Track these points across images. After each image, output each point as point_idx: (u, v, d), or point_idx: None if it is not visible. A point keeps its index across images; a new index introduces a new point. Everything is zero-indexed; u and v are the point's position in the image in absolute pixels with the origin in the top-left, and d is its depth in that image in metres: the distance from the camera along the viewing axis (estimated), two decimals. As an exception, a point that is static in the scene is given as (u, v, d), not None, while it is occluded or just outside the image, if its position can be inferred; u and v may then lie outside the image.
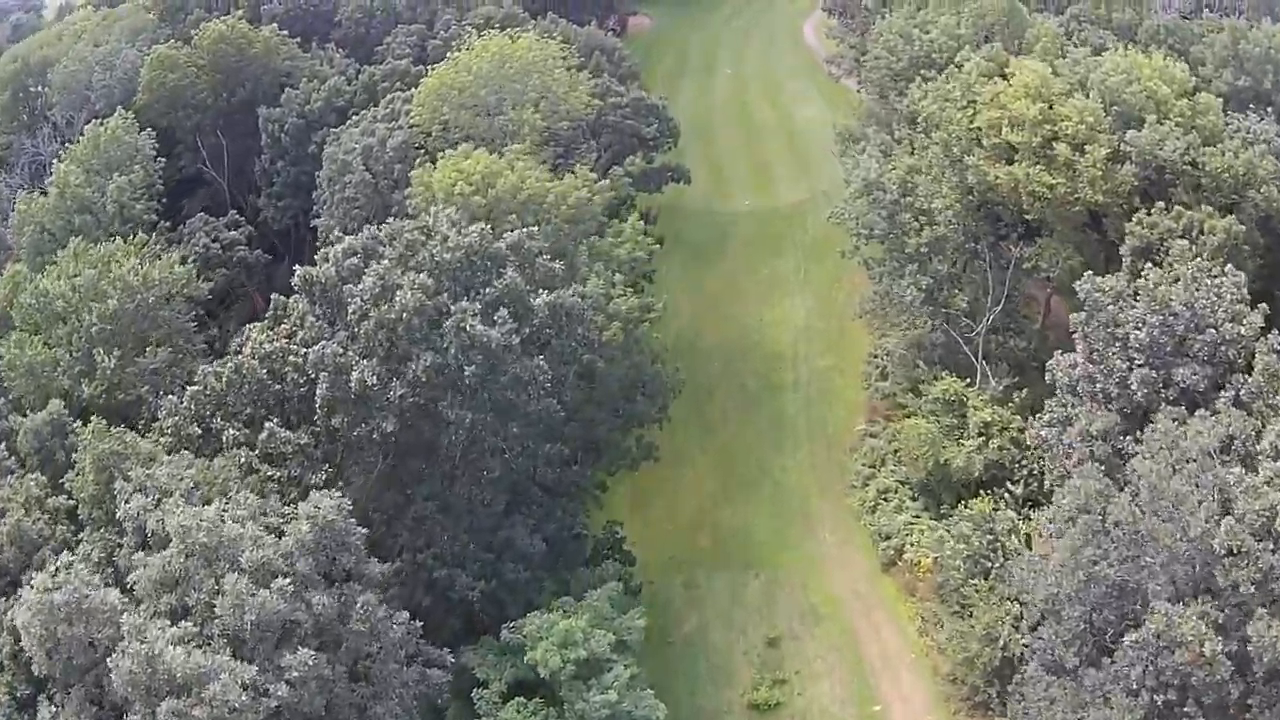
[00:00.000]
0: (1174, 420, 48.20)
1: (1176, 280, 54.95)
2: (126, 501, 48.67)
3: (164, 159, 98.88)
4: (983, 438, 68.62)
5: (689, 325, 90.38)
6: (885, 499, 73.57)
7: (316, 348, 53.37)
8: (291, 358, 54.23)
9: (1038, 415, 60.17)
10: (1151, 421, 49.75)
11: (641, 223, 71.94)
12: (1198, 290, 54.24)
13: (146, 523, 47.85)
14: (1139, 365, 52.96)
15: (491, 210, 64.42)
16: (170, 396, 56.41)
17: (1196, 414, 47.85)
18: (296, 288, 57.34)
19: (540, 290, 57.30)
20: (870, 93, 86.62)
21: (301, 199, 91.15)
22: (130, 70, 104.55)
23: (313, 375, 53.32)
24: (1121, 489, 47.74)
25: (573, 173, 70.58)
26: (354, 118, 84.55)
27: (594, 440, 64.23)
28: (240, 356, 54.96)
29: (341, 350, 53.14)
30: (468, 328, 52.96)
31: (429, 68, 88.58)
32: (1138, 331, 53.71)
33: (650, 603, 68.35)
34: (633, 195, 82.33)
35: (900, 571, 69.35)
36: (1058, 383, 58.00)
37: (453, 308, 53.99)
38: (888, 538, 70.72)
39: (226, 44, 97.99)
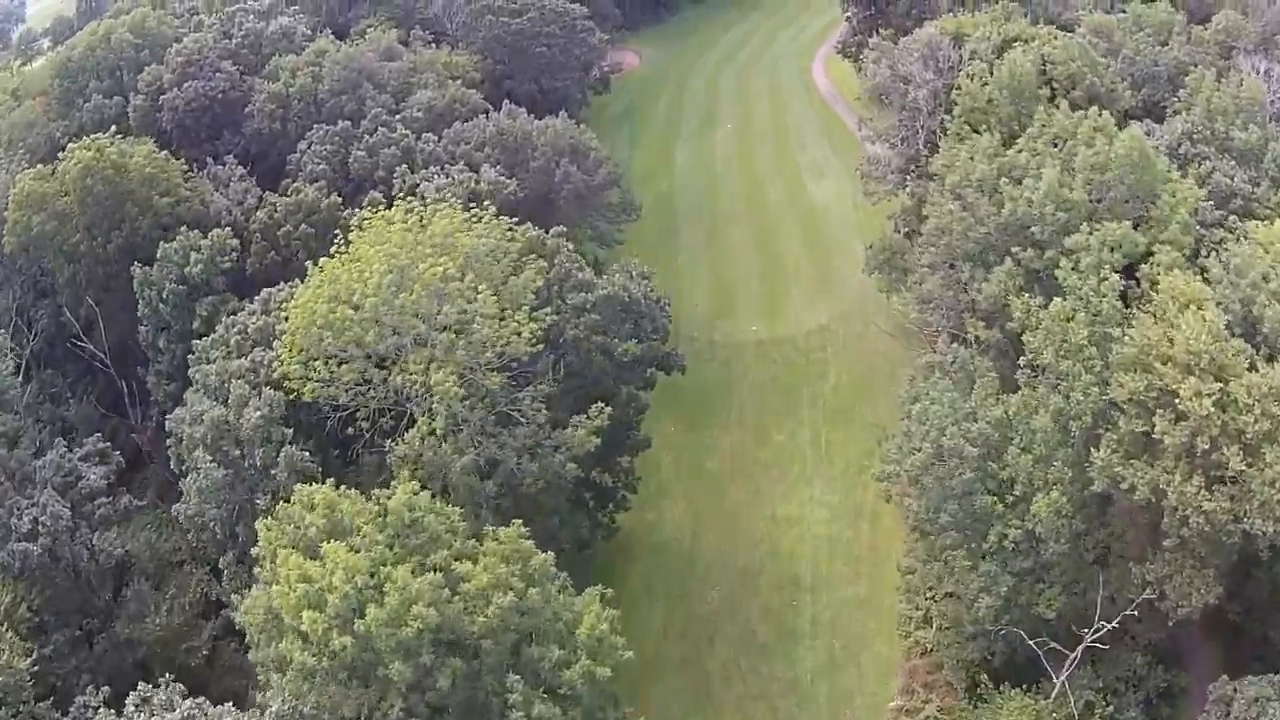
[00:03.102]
0: None
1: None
2: None
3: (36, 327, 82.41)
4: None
5: (685, 528, 72.15)
6: (923, 823, 56.43)
7: None
8: None
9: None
10: None
11: (607, 613, 48.38)
12: None
13: None
14: None
15: (364, 649, 44.12)
16: None
17: None
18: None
19: None
20: (931, 261, 62.99)
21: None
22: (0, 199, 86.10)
23: None
24: None
25: (497, 539, 48.81)
26: (224, 321, 64.62)
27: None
28: None
29: None
30: None
31: (347, 212, 69.84)
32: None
33: None
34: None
35: None
36: None
37: None
38: None
39: (94, 177, 78.40)
